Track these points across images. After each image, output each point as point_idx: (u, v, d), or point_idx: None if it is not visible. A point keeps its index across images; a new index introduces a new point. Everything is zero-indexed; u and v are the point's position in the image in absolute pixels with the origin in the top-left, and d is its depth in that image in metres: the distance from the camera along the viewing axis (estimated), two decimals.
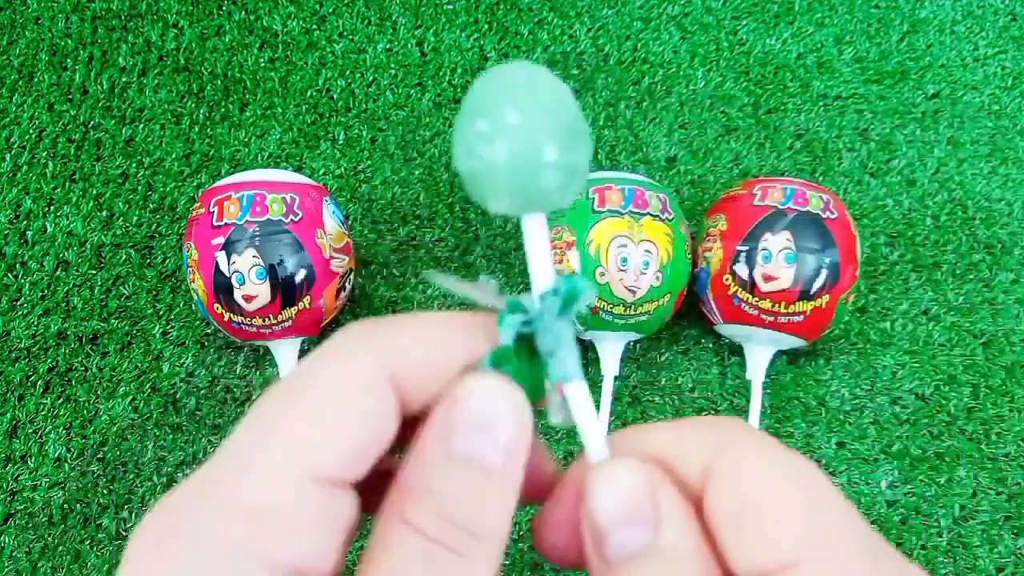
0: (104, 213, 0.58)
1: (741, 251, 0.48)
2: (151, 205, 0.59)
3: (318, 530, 0.15)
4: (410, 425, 0.17)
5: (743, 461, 0.17)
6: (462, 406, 0.16)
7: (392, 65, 0.63)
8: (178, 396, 0.54)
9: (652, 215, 0.48)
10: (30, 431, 0.53)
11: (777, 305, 0.48)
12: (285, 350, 0.50)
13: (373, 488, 0.17)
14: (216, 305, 0.48)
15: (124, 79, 0.63)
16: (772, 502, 0.16)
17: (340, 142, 0.60)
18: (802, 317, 0.48)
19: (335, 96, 0.62)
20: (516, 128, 0.15)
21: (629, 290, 0.47)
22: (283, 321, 0.48)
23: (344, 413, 0.16)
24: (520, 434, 0.17)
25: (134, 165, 0.60)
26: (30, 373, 0.54)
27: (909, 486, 0.51)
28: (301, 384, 0.16)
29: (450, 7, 0.65)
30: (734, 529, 0.16)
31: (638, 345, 0.55)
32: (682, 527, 0.16)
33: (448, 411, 0.17)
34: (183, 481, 0.16)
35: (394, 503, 0.16)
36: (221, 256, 0.47)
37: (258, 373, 0.54)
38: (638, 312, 0.48)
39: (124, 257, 0.57)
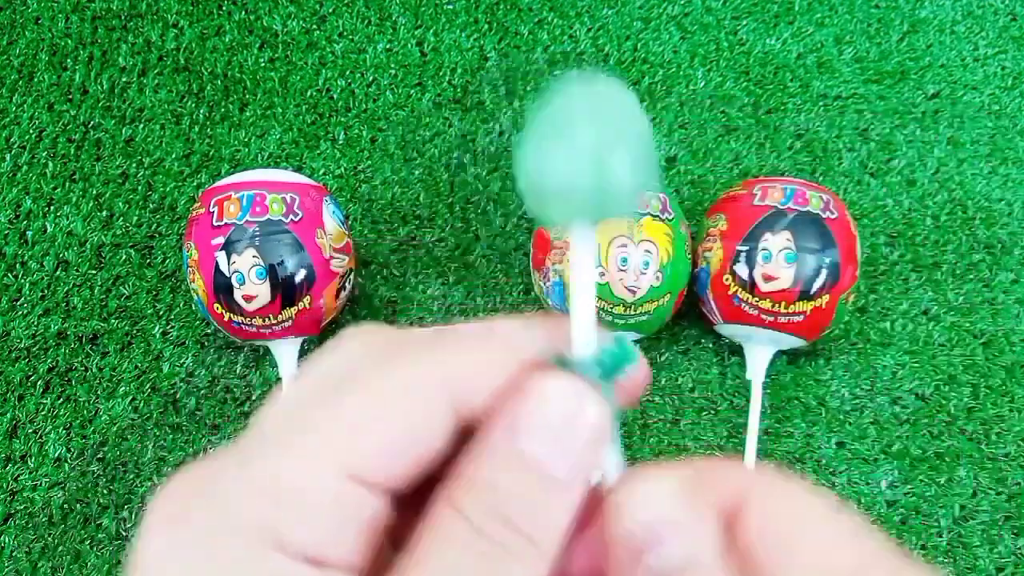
0: (104, 213, 0.58)
1: (741, 251, 0.48)
2: (151, 205, 0.59)
3: (340, 523, 0.15)
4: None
5: (778, 490, 0.16)
6: (539, 404, 0.16)
7: (392, 65, 0.63)
8: (178, 396, 0.54)
9: (652, 215, 0.48)
10: (30, 431, 0.53)
11: (777, 305, 0.48)
12: (285, 350, 0.50)
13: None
14: (216, 305, 0.48)
15: (124, 79, 0.63)
16: (818, 526, 0.16)
17: (340, 142, 0.60)
18: (802, 317, 0.48)
19: (335, 96, 0.62)
20: (596, 148, 0.15)
21: (629, 290, 0.47)
22: (283, 321, 0.48)
23: (392, 418, 0.15)
24: (594, 448, 0.16)
25: (134, 165, 0.60)
26: (30, 373, 0.54)
27: (909, 486, 0.51)
28: (353, 381, 0.16)
29: (450, 7, 0.65)
30: (782, 553, 0.15)
31: (638, 345, 0.55)
32: (719, 538, 0.16)
33: (521, 406, 0.16)
34: (218, 450, 0.16)
35: (449, 488, 0.16)
36: (221, 256, 0.47)
37: (258, 373, 0.54)
38: (638, 312, 0.48)
39: (124, 257, 0.57)
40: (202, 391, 0.54)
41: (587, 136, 0.15)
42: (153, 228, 0.58)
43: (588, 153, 0.15)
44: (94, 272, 0.57)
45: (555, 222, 0.17)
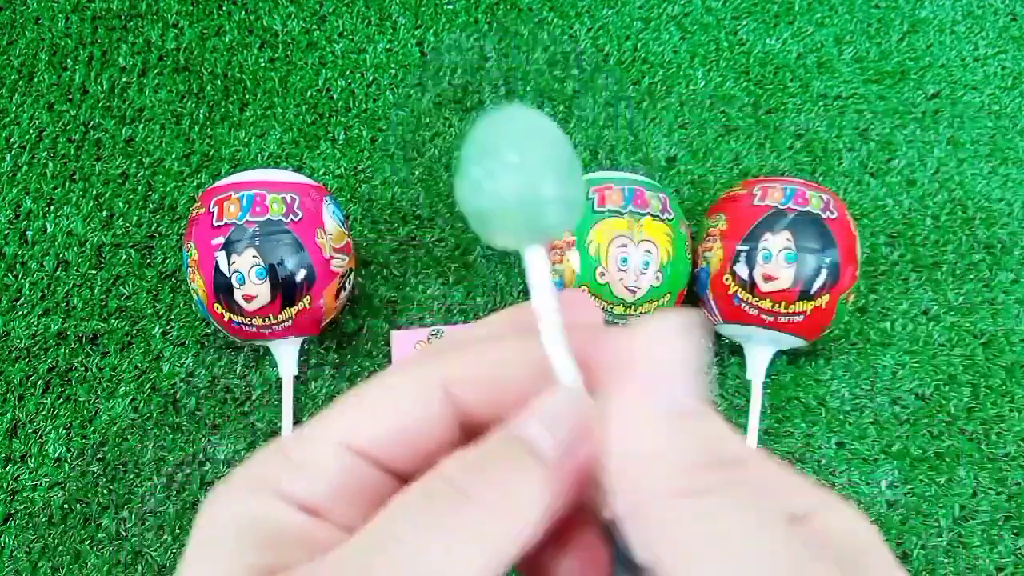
0: (104, 213, 0.58)
1: (741, 251, 0.48)
2: (151, 205, 0.59)
3: (336, 485, 0.17)
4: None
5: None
6: (538, 399, 0.17)
7: (392, 65, 0.63)
8: (178, 396, 0.54)
9: (652, 215, 0.48)
10: (30, 431, 0.53)
11: (777, 305, 0.48)
12: (285, 350, 0.50)
13: None
14: (216, 305, 0.48)
15: (124, 79, 0.63)
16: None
17: (340, 142, 0.60)
18: (802, 317, 0.48)
19: (335, 96, 0.62)
20: (520, 167, 0.17)
21: (629, 290, 0.47)
22: (283, 321, 0.48)
23: (390, 404, 0.18)
24: (580, 442, 0.17)
25: (134, 165, 0.60)
26: (30, 373, 0.54)
27: (909, 486, 0.51)
28: (365, 385, 0.18)
29: (450, 7, 0.65)
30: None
31: None
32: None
33: (528, 404, 0.18)
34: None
35: None
36: (221, 256, 0.46)
37: (258, 373, 0.54)
38: (638, 312, 0.48)
39: (124, 257, 0.57)
40: (202, 391, 0.54)
41: (510, 157, 0.17)
42: (153, 228, 0.58)
43: (512, 172, 0.17)
44: (94, 272, 0.57)
45: (500, 243, 0.18)
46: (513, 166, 0.17)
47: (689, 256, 0.50)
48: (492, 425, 0.18)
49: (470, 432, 0.18)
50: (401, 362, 0.19)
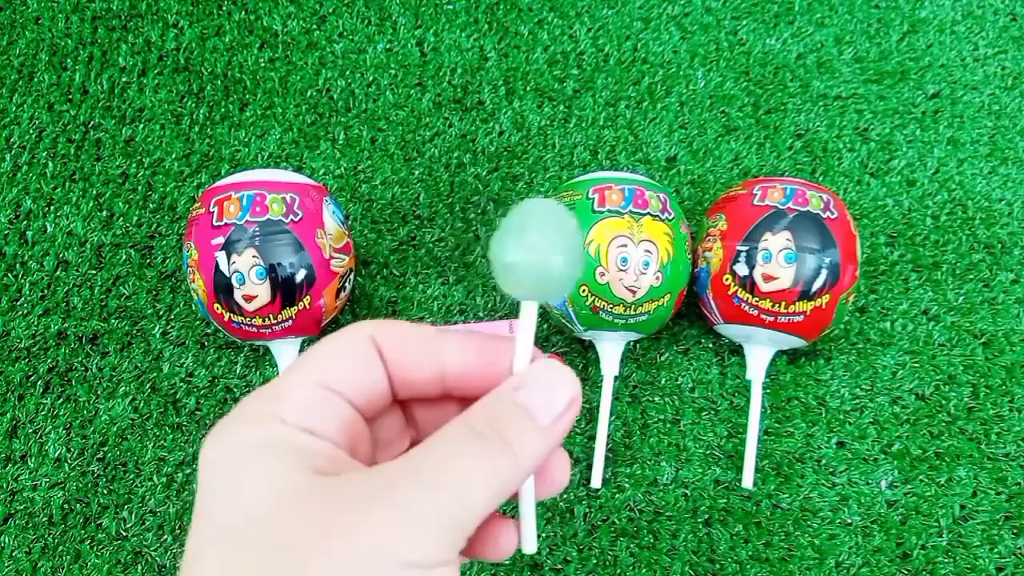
0: (104, 213, 0.58)
1: (741, 251, 0.48)
2: (151, 205, 0.59)
3: (322, 411, 0.22)
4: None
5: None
6: (540, 372, 0.23)
7: (392, 65, 0.63)
8: (178, 396, 0.54)
9: (652, 215, 0.48)
10: (30, 431, 0.53)
11: (777, 305, 0.48)
12: (285, 350, 0.50)
13: None
14: (216, 305, 0.48)
15: (124, 79, 0.63)
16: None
17: (340, 142, 0.60)
18: (802, 317, 0.48)
19: (335, 96, 0.62)
20: (540, 247, 0.23)
21: (629, 290, 0.47)
22: (283, 321, 0.48)
23: (340, 356, 0.23)
24: (571, 411, 0.23)
25: (134, 165, 0.60)
26: (30, 373, 0.54)
27: (909, 486, 0.51)
28: (318, 343, 0.24)
29: (450, 7, 0.65)
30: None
31: (638, 345, 0.55)
32: None
33: (526, 372, 0.23)
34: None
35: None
36: (221, 256, 0.46)
37: (258, 373, 0.54)
38: (638, 312, 0.48)
39: (124, 257, 0.57)
40: (202, 391, 0.54)
41: (533, 238, 0.23)
42: (153, 228, 0.58)
43: (534, 250, 0.23)
44: (94, 272, 0.57)
45: (511, 293, 0.24)
46: (537, 246, 0.23)
47: (689, 256, 0.50)
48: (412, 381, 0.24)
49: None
50: (338, 330, 0.24)
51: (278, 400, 0.22)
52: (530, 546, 0.25)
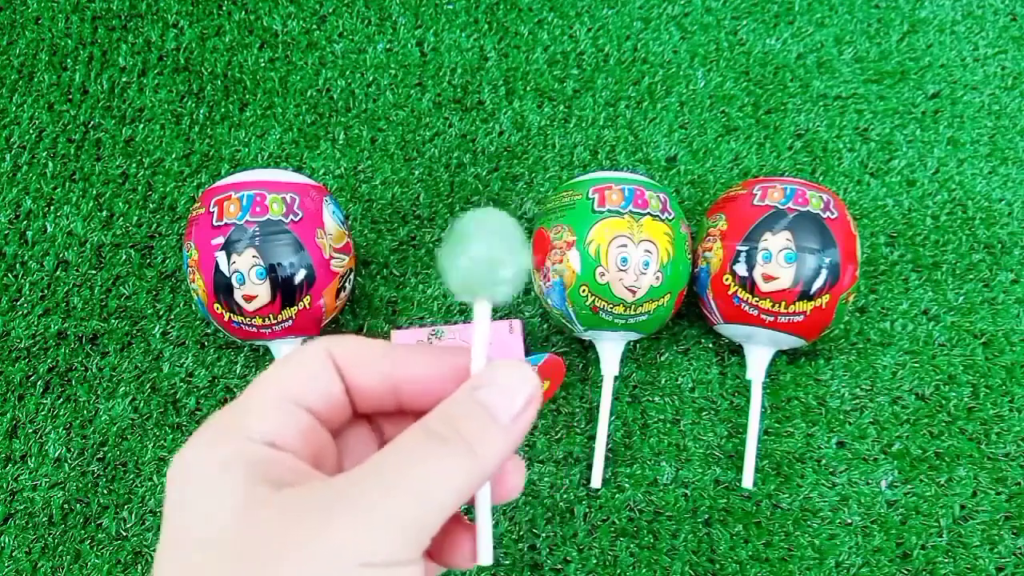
0: (104, 213, 0.58)
1: (741, 251, 0.48)
2: (151, 205, 0.59)
3: (284, 424, 0.23)
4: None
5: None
6: (497, 371, 0.24)
7: (392, 65, 0.63)
8: (178, 396, 0.54)
9: (652, 215, 0.48)
10: (30, 431, 0.53)
11: (777, 305, 0.48)
12: (285, 350, 0.50)
13: None
14: (216, 305, 0.48)
15: (124, 79, 0.63)
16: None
17: (340, 142, 0.60)
18: (802, 317, 0.48)
19: (335, 96, 0.62)
20: (487, 253, 0.25)
21: (629, 290, 0.47)
22: (283, 321, 0.48)
23: (298, 368, 0.24)
24: (530, 409, 0.23)
25: (134, 165, 0.60)
26: (30, 373, 0.54)
27: (909, 486, 0.51)
28: (281, 360, 0.25)
29: (450, 7, 0.65)
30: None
31: (638, 345, 0.55)
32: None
33: (483, 372, 0.24)
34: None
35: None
36: (221, 256, 0.46)
37: (258, 373, 0.54)
38: (638, 312, 0.48)
39: (124, 257, 0.57)
40: (202, 391, 0.54)
41: (479, 245, 0.24)
42: (153, 228, 0.58)
43: (479, 255, 0.24)
44: (94, 272, 0.57)
45: (463, 298, 0.25)
46: (483, 251, 0.24)
47: (689, 256, 0.50)
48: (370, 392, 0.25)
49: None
50: (298, 348, 0.25)
51: (241, 415, 0.23)
52: (485, 557, 0.25)
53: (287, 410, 0.23)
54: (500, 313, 0.56)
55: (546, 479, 0.52)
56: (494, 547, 0.50)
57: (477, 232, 0.25)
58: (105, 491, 0.51)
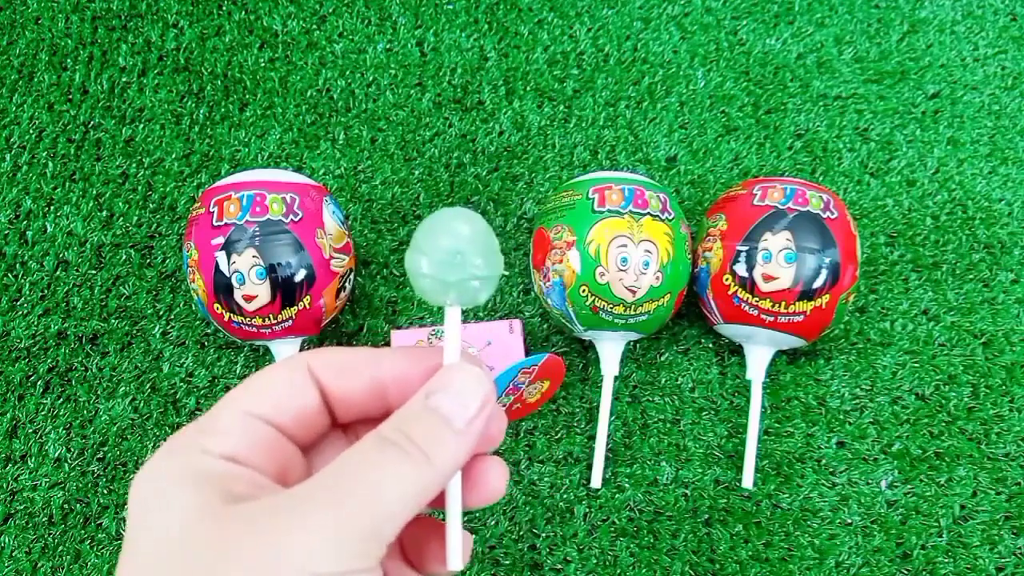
0: (104, 213, 0.58)
1: (741, 251, 0.48)
2: (151, 205, 0.59)
3: (246, 440, 0.23)
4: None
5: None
6: (451, 376, 0.23)
7: (392, 65, 0.63)
8: (178, 396, 0.54)
9: (652, 215, 0.48)
10: (30, 431, 0.53)
11: (777, 305, 0.48)
12: (285, 350, 0.50)
13: None
14: (216, 305, 0.48)
15: (124, 79, 0.63)
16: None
17: (340, 142, 0.60)
18: (802, 317, 0.48)
19: (335, 96, 0.62)
20: (455, 253, 0.24)
21: (629, 290, 0.47)
22: (283, 321, 0.48)
23: (266, 383, 0.24)
24: (484, 412, 0.23)
25: (134, 165, 0.60)
26: (30, 373, 0.54)
27: (909, 486, 0.51)
28: (254, 375, 0.24)
29: (450, 7, 0.65)
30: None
31: (638, 345, 0.55)
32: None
33: (437, 377, 0.24)
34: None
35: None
36: (221, 256, 0.46)
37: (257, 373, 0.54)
38: (638, 312, 0.48)
39: (124, 257, 0.57)
40: (202, 391, 0.54)
41: (445, 243, 0.23)
42: (153, 228, 0.58)
43: (444, 255, 0.24)
44: (94, 272, 0.57)
45: (432, 301, 0.25)
46: (451, 252, 0.24)
47: (689, 256, 0.50)
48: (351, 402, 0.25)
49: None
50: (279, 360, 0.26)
51: (202, 432, 0.23)
52: (454, 563, 0.24)
53: (250, 425, 0.23)
54: (500, 313, 0.56)
55: (546, 479, 0.52)
56: (493, 547, 0.50)
57: (444, 233, 0.24)
58: (105, 491, 0.51)
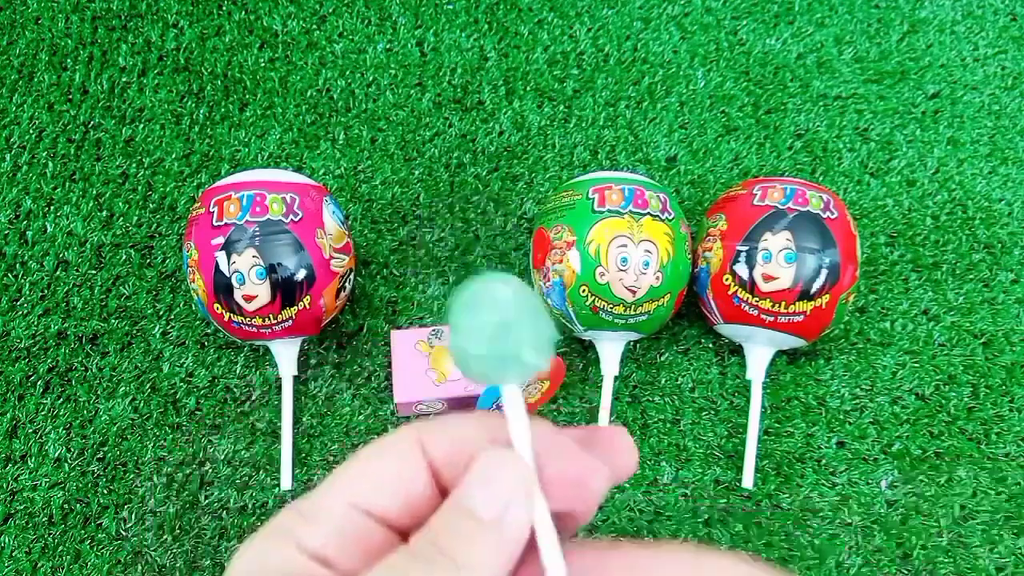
0: (104, 213, 0.58)
1: (741, 251, 0.48)
2: (151, 205, 0.59)
3: (344, 538, 0.21)
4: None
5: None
6: (479, 463, 0.21)
7: (392, 65, 0.63)
8: (178, 396, 0.54)
9: (652, 215, 0.48)
10: (30, 431, 0.53)
11: (777, 305, 0.48)
12: (285, 350, 0.50)
13: None
14: (216, 305, 0.48)
15: (124, 79, 0.63)
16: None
17: (340, 142, 0.60)
18: (802, 317, 0.48)
19: (335, 96, 0.62)
20: (506, 331, 0.21)
21: (629, 290, 0.47)
22: (283, 321, 0.48)
23: (380, 464, 0.22)
24: (518, 498, 0.20)
25: (134, 165, 0.60)
26: (30, 373, 0.54)
27: (909, 486, 0.51)
28: (362, 449, 0.22)
29: (450, 7, 0.65)
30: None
31: (638, 345, 0.55)
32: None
33: (470, 470, 0.21)
34: None
35: None
36: (221, 256, 0.46)
37: (258, 373, 0.54)
38: (638, 312, 0.48)
39: (124, 257, 0.57)
40: (202, 391, 0.54)
41: (489, 318, 0.21)
42: (153, 228, 0.58)
43: (490, 331, 0.21)
44: (94, 272, 0.57)
45: (482, 381, 0.22)
46: (491, 326, 0.21)
47: (689, 256, 0.50)
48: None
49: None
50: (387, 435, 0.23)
51: (304, 520, 0.21)
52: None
53: (351, 520, 0.21)
54: None
55: None
56: None
57: (494, 309, 0.21)
58: (105, 491, 0.51)
